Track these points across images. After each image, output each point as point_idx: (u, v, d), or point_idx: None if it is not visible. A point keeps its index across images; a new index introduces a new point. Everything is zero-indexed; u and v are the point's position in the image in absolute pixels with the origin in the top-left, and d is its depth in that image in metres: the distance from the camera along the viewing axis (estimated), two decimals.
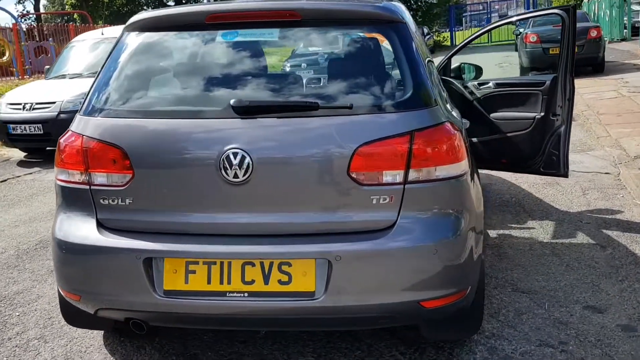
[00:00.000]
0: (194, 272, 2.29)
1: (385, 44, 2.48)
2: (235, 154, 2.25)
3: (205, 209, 2.33)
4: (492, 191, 5.42)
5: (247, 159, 2.25)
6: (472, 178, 2.51)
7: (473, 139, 4.47)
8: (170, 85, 2.55)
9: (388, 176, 2.25)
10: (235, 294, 2.26)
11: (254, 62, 2.54)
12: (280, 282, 2.25)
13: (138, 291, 2.32)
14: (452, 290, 2.36)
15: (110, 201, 2.36)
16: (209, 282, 2.27)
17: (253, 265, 2.26)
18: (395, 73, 2.44)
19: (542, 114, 4.24)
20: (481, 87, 4.58)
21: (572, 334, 2.90)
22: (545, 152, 4.30)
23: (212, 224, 2.33)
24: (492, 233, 4.33)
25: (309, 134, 2.29)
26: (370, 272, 2.25)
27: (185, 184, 2.31)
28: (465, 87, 4.62)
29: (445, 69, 4.78)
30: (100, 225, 2.40)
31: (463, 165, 2.38)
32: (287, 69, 2.46)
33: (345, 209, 2.27)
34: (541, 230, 4.34)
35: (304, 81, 2.47)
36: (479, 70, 5.02)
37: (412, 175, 2.27)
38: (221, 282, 2.27)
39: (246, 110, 2.28)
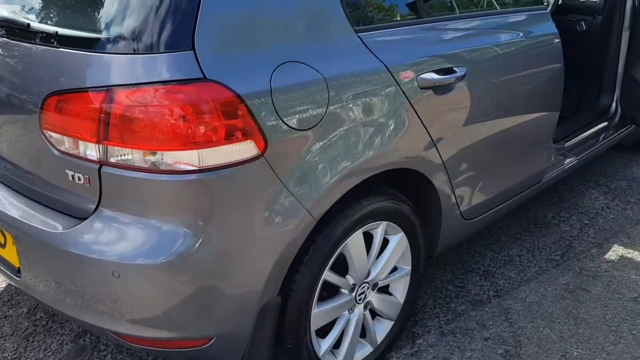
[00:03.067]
0: None
1: None
2: None
3: None
4: None
5: None
6: (249, 180, 1.48)
7: None
8: None
9: (79, 148, 1.48)
10: None
11: None
12: (0, 244, 1.79)
13: None
14: (164, 335, 1.53)
15: None
16: None
17: None
18: None
19: None
20: None
21: None
22: None
23: None
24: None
25: (15, 65, 1.62)
26: (46, 268, 1.60)
27: None
28: None
29: None
30: None
31: (204, 156, 1.41)
32: None
33: (51, 175, 1.60)
34: None
35: None
36: None
37: (111, 153, 1.44)
38: None
39: None
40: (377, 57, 1.70)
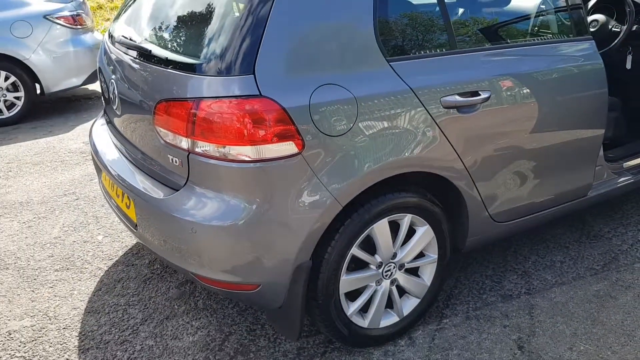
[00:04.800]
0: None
1: None
2: (110, 82, 2.48)
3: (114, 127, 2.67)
4: None
5: (113, 88, 2.45)
6: (284, 173, 1.97)
7: None
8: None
9: (176, 139, 2.08)
10: (114, 204, 2.61)
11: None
12: (127, 205, 2.47)
13: None
14: (226, 278, 2.09)
15: None
16: (112, 187, 2.64)
17: (120, 183, 2.54)
18: (228, 30, 2.02)
19: None
20: None
21: None
22: None
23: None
24: None
25: (140, 78, 2.27)
26: (152, 224, 2.23)
27: None
28: None
29: None
30: None
31: (258, 151, 1.94)
32: (175, 11, 2.22)
33: (160, 158, 2.24)
34: None
35: (171, 24, 2.29)
36: None
37: (196, 145, 2.02)
38: (112, 189, 2.63)
39: (121, 42, 2.43)
40: (404, 82, 2.13)
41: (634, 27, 3.27)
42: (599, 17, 3.39)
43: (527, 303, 2.65)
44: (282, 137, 1.93)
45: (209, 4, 2.12)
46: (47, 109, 6.31)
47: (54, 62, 5.84)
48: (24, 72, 5.82)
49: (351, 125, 2.02)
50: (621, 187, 3.01)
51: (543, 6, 2.66)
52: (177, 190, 2.12)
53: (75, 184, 4.17)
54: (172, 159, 2.11)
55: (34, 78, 5.80)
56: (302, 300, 2.13)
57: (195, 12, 2.18)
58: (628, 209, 3.46)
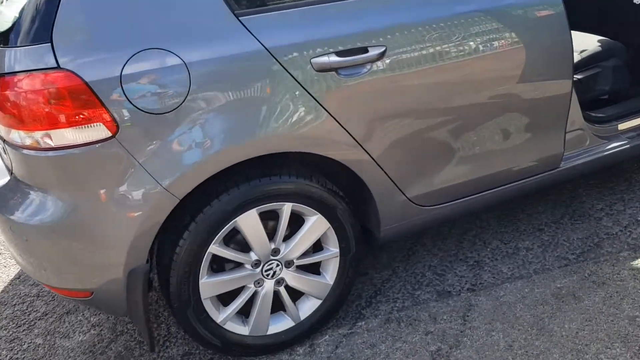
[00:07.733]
0: None
1: None
2: None
3: None
4: None
5: None
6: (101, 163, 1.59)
7: None
8: None
9: None
10: None
11: None
12: None
13: None
14: (51, 283, 1.78)
15: None
16: None
17: None
18: None
19: None
20: None
21: None
22: None
23: None
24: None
25: None
26: None
27: None
28: None
29: None
30: None
31: (60, 136, 1.57)
32: None
33: None
34: None
35: None
36: None
37: (2, 132, 1.70)
38: None
39: None
40: (258, 40, 1.66)
41: None
42: None
43: (465, 303, 2.15)
44: (87, 119, 1.55)
45: None
46: None
47: None
48: None
49: (182, 99, 1.61)
50: (613, 154, 2.38)
51: None
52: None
53: None
54: (1, 147, 1.80)
55: None
56: (143, 309, 1.78)
57: None
58: (639, 177, 2.78)
